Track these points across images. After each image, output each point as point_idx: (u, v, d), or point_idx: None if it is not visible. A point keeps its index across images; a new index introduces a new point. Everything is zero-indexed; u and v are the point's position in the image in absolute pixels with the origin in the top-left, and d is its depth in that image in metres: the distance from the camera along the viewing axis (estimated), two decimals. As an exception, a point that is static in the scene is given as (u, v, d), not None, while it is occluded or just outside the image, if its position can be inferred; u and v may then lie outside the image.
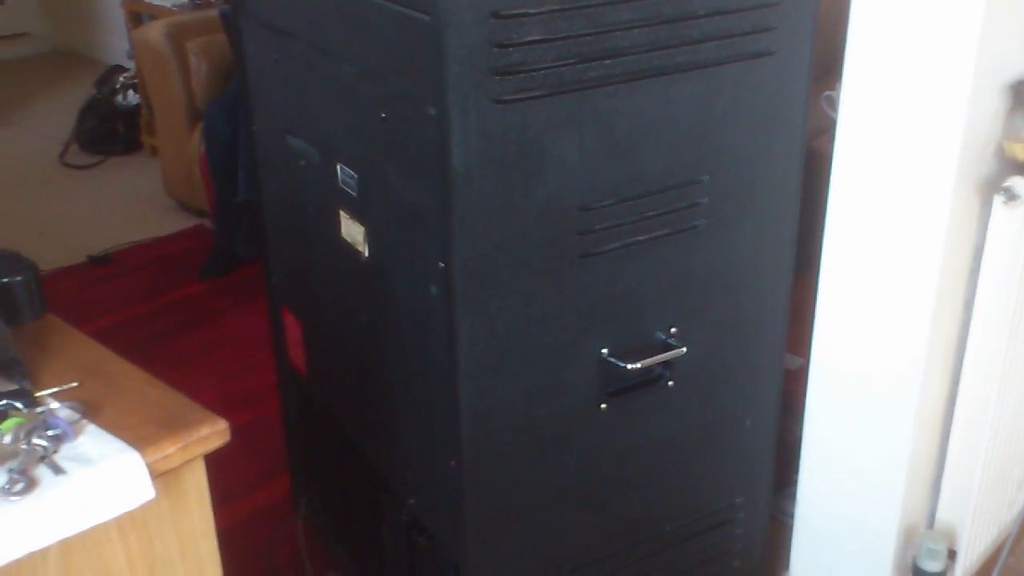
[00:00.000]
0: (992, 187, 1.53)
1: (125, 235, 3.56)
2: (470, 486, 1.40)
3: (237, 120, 3.01)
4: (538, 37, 1.21)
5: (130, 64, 4.48)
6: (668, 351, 1.46)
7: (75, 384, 1.07)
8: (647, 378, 1.48)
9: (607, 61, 1.27)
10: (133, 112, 4.32)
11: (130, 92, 4.37)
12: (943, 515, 1.75)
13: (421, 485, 1.54)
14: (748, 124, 1.42)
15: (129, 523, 0.99)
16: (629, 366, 1.42)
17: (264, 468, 2.33)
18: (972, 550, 1.77)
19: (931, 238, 1.51)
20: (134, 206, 3.87)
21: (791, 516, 1.87)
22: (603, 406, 1.45)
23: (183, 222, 3.70)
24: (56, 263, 3.34)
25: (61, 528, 0.93)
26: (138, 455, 0.96)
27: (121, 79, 4.42)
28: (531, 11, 1.19)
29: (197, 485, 1.04)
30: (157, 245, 3.54)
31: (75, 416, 1.01)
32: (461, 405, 1.34)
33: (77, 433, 0.99)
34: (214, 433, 1.01)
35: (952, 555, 1.73)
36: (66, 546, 0.96)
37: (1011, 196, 1.49)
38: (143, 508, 0.98)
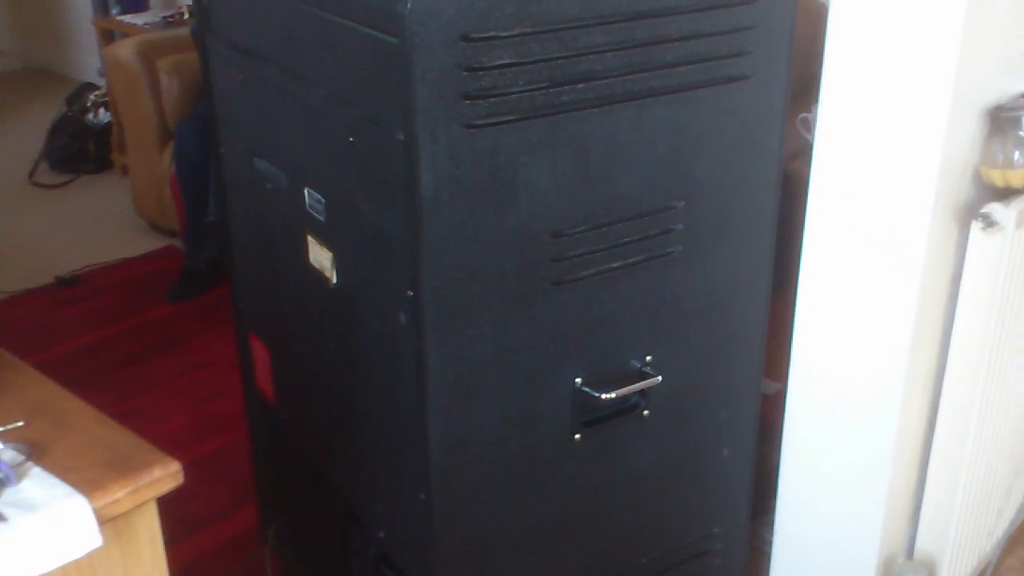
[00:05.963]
0: (970, 213, 1.51)
1: (94, 256, 3.49)
2: (440, 520, 1.36)
3: (208, 139, 2.97)
4: (509, 61, 1.18)
5: (101, 82, 4.42)
6: (643, 380, 1.44)
7: (21, 423, 1.02)
8: (622, 407, 1.45)
9: (580, 85, 1.24)
10: (104, 130, 4.26)
11: (101, 110, 4.31)
12: (922, 544, 1.72)
13: (391, 518, 1.50)
14: (723, 149, 1.39)
15: (76, 571, 0.95)
16: (603, 396, 1.39)
17: (234, 496, 2.27)
18: (953, 580, 1.75)
19: (909, 264, 1.49)
20: (104, 226, 3.81)
21: (769, 544, 1.84)
22: (577, 437, 1.42)
23: (153, 243, 3.64)
24: (24, 284, 3.29)
25: (2, 578, 0.89)
26: (85, 500, 0.92)
27: (92, 97, 4.35)
28: (502, 34, 1.17)
29: (149, 530, 0.99)
30: (127, 266, 3.48)
31: (19, 458, 0.97)
32: (430, 436, 1.30)
33: (21, 477, 0.95)
34: (167, 475, 0.96)
35: (933, 585, 1.71)
36: (8, 597, 0.91)
37: (989, 223, 1.47)
38: (91, 555, 0.93)
